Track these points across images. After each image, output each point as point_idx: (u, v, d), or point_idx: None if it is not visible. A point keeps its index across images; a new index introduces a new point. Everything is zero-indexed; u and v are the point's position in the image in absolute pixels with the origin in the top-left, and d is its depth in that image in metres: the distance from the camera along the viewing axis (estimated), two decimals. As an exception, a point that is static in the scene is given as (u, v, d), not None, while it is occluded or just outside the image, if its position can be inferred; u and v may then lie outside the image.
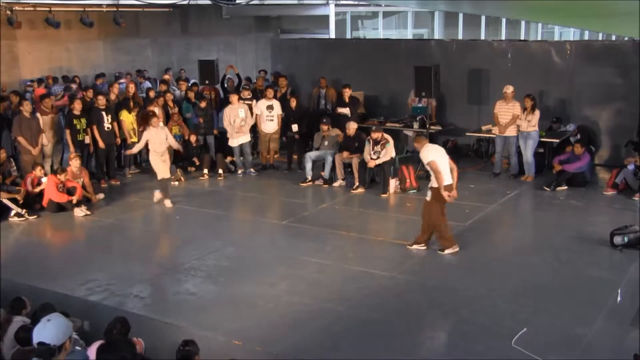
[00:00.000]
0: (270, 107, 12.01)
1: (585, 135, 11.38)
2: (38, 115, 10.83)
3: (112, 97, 12.16)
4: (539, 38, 23.20)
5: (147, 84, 15.71)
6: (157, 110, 12.06)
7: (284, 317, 6.29)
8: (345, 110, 12.25)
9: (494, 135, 11.47)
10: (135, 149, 10.85)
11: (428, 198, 7.77)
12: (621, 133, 11.57)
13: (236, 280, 7.31)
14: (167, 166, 10.15)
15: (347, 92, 12.35)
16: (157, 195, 10.12)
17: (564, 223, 8.99)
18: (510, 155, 11.32)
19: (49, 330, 4.19)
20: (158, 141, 9.97)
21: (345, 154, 10.86)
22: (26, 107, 10.46)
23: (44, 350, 4.09)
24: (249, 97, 12.60)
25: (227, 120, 11.74)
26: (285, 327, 6.08)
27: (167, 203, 10.03)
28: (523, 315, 6.17)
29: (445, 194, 7.54)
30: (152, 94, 12.94)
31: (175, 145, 10.67)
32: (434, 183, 7.63)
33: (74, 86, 15.16)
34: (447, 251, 7.78)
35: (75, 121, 10.88)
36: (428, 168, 7.75)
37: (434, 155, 7.68)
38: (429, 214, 7.79)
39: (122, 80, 15.55)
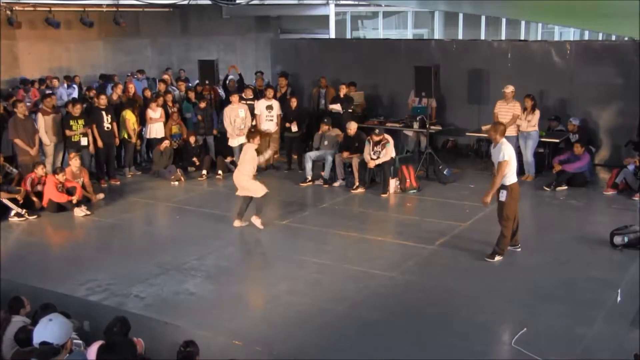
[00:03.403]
0: (269, 107, 12.01)
1: (585, 135, 11.37)
2: (40, 115, 10.78)
3: (115, 97, 12.17)
4: (539, 38, 23.16)
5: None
6: (157, 109, 12.09)
7: (284, 317, 6.28)
8: (337, 107, 12.23)
9: (494, 135, 11.45)
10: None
11: (503, 198, 7.35)
12: (621, 133, 11.57)
13: (236, 280, 7.31)
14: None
15: (343, 89, 12.36)
16: (257, 220, 8.90)
17: (564, 223, 8.99)
18: (510, 155, 11.31)
19: (52, 329, 4.18)
20: (257, 160, 9.07)
21: (345, 153, 10.86)
22: (20, 109, 10.39)
23: (46, 350, 4.07)
24: (251, 97, 12.59)
25: (228, 119, 11.75)
26: (285, 327, 6.08)
27: (258, 223, 8.90)
28: (523, 315, 6.18)
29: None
30: (147, 93, 12.93)
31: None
32: (506, 181, 7.30)
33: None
34: (497, 258, 7.50)
35: (72, 122, 10.80)
36: (496, 163, 7.29)
37: (510, 153, 7.32)
38: (508, 211, 7.38)
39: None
